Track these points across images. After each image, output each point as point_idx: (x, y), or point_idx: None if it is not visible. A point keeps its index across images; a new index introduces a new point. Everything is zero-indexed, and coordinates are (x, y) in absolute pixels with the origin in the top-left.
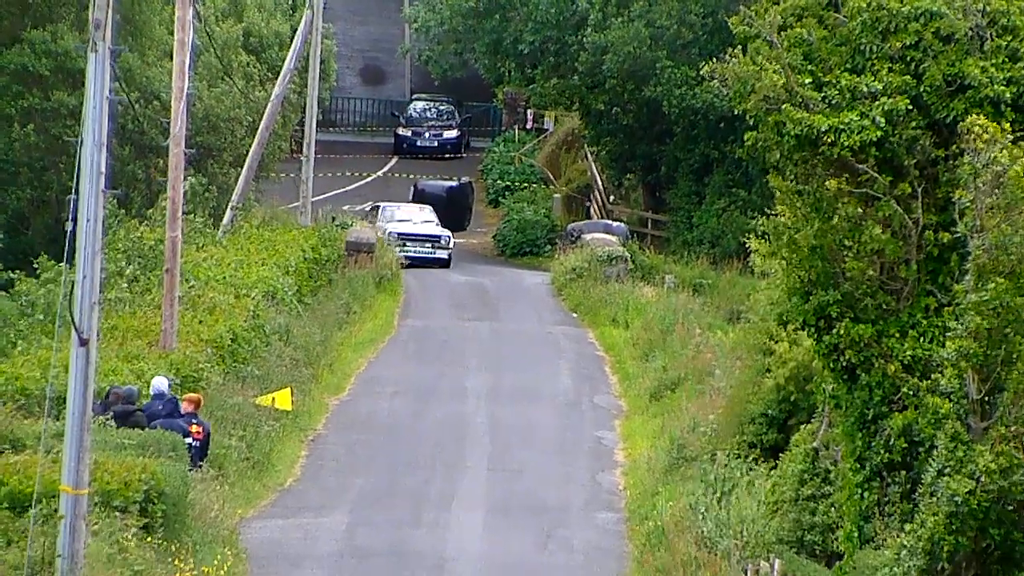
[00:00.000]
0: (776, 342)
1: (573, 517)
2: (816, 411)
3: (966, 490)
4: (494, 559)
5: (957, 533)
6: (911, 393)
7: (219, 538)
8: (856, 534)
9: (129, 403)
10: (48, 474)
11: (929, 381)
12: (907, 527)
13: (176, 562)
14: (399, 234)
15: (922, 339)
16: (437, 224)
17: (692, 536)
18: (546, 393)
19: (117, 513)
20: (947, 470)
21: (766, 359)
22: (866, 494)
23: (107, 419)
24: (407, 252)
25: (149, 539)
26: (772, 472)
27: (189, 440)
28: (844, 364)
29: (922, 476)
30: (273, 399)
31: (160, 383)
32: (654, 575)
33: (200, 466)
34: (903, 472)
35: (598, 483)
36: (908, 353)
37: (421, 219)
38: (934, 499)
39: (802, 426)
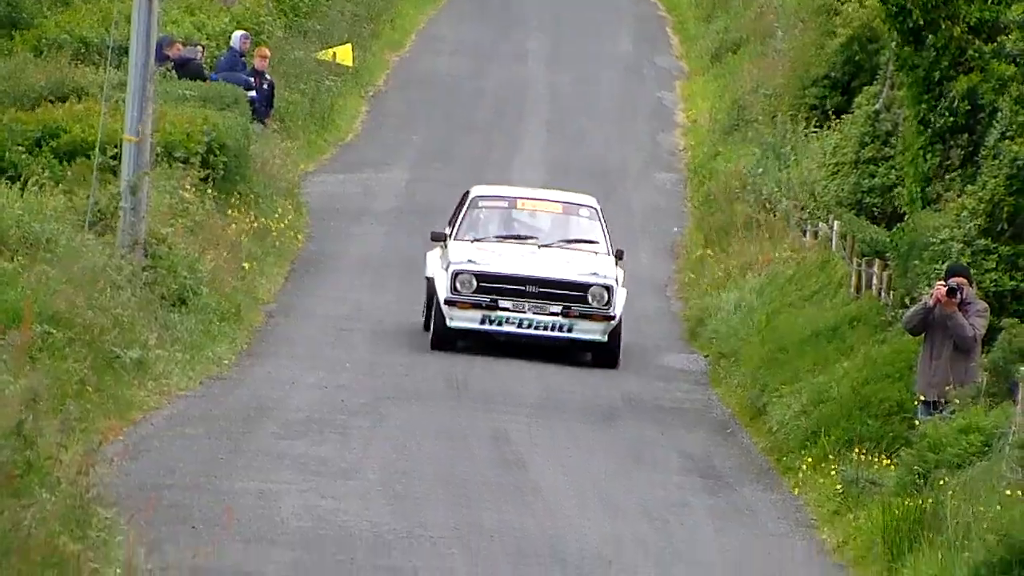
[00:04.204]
0: (842, 2)
1: (633, 178)
2: (879, 73)
3: None
4: None
5: (1018, 194)
6: (976, 56)
7: (280, 191)
8: (918, 195)
9: (189, 54)
10: (110, 123)
11: (995, 44)
12: (968, 189)
13: (237, 213)
14: (477, 275)
15: (990, 1)
16: (604, 253)
17: (751, 197)
18: (607, 55)
19: (179, 165)
20: (1009, 133)
21: (831, 20)
22: (928, 156)
23: (168, 68)
24: (498, 323)
25: (210, 191)
26: (833, 134)
27: (252, 94)
28: (910, 25)
29: (984, 139)
30: (334, 54)
31: (236, 37)
32: (713, 235)
33: (265, 121)
34: (966, 135)
35: (658, 144)
36: (975, 15)
37: (559, 235)
38: (996, 161)
39: (864, 88)
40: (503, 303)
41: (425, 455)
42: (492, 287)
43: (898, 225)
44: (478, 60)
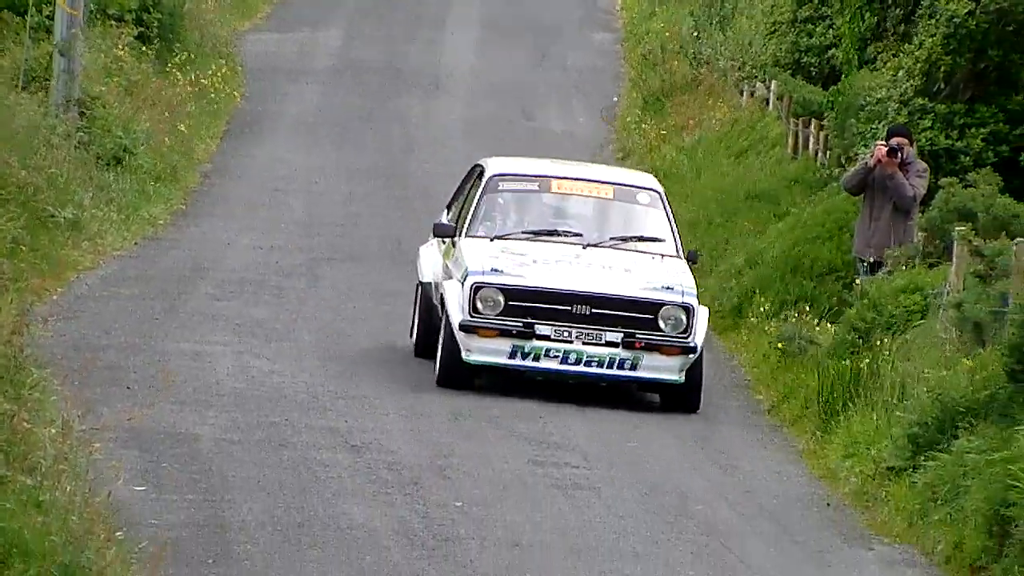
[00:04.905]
0: None
1: (568, 36)
2: None
3: (965, 11)
4: (488, 76)
5: (955, 54)
6: None
7: (215, 50)
8: (854, 56)
9: None
10: None
11: None
12: (905, 48)
13: (172, 72)
14: (505, 290)
15: None
16: (673, 255)
17: (689, 57)
18: None
19: (112, 23)
20: None
21: None
22: (866, 16)
23: None
24: (534, 356)
25: (145, 50)
26: None
27: None
28: None
29: None
30: None
31: None
32: (649, 95)
33: None
34: None
35: (594, 2)
36: None
37: (610, 230)
38: (932, 21)
39: None
40: (542, 329)
41: (360, 316)
42: (526, 307)
43: (834, 87)
44: None
